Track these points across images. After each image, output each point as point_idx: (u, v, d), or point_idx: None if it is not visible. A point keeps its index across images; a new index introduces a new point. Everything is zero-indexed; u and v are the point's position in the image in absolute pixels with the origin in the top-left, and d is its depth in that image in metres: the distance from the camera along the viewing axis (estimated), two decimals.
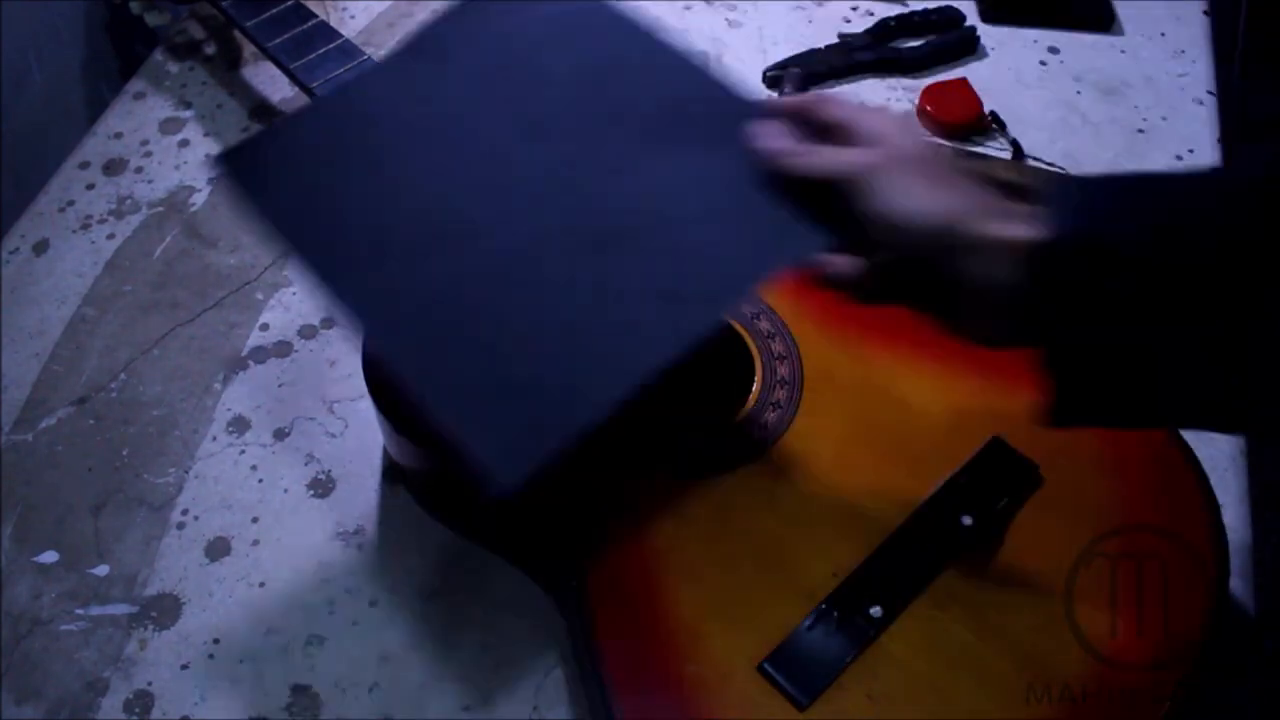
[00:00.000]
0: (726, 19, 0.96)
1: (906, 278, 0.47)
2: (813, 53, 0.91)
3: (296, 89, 0.77)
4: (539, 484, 0.42)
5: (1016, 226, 0.44)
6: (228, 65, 0.93)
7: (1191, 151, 0.84)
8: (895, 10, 0.94)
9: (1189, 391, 0.43)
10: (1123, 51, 0.92)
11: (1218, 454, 0.65)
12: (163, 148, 0.86)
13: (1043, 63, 0.92)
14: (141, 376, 0.72)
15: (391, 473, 0.66)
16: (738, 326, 0.63)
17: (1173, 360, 0.42)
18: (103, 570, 0.63)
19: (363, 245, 0.50)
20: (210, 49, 0.94)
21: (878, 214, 0.45)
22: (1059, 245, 0.42)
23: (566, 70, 0.55)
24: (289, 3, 0.80)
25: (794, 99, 0.51)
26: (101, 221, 0.81)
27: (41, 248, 0.79)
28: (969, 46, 0.91)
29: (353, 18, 0.97)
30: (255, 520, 0.64)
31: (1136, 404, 0.44)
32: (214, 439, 0.68)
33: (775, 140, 0.50)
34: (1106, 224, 0.42)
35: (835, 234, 0.48)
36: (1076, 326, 0.43)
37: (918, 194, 0.45)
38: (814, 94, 0.52)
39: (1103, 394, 0.44)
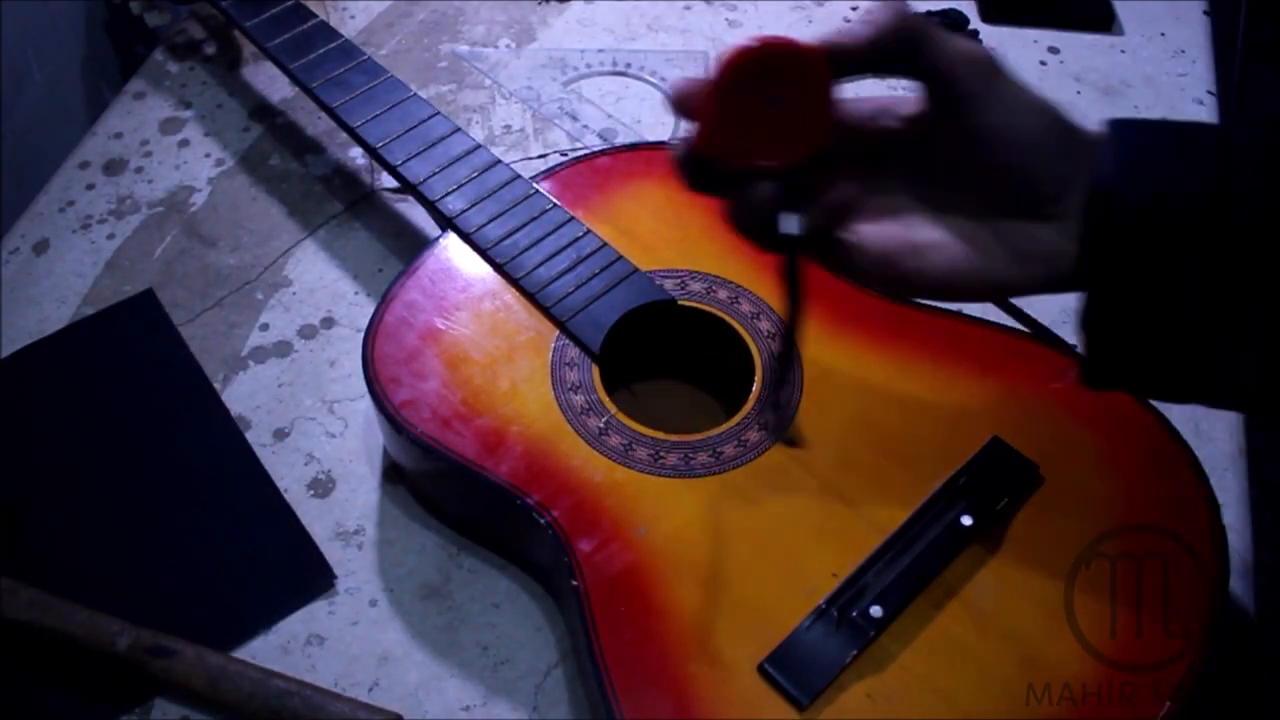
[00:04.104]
0: (726, 19, 0.96)
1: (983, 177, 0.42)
2: None
3: (296, 89, 0.77)
4: None
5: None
6: (228, 65, 0.93)
7: None
8: None
9: (1247, 369, 0.39)
10: (1123, 51, 0.92)
11: (1218, 454, 0.65)
12: (163, 148, 0.86)
13: (1043, 63, 0.92)
14: None
15: (391, 473, 0.66)
16: (738, 326, 0.63)
17: (1230, 328, 0.38)
18: None
19: None
20: (210, 49, 0.94)
21: (1005, 115, 0.41)
22: (1115, 195, 0.39)
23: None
24: (289, 3, 0.80)
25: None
26: (101, 221, 0.81)
27: (41, 248, 0.79)
28: None
29: (353, 18, 0.97)
30: None
31: (1183, 375, 0.41)
32: None
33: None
34: (1169, 181, 0.39)
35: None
36: (1124, 281, 0.39)
37: (1034, 96, 0.41)
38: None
39: (1144, 358, 0.41)
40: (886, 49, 0.41)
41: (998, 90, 0.41)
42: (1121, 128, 0.41)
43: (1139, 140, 0.40)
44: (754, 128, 0.39)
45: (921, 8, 0.93)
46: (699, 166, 0.43)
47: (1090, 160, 0.41)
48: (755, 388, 0.61)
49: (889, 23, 0.40)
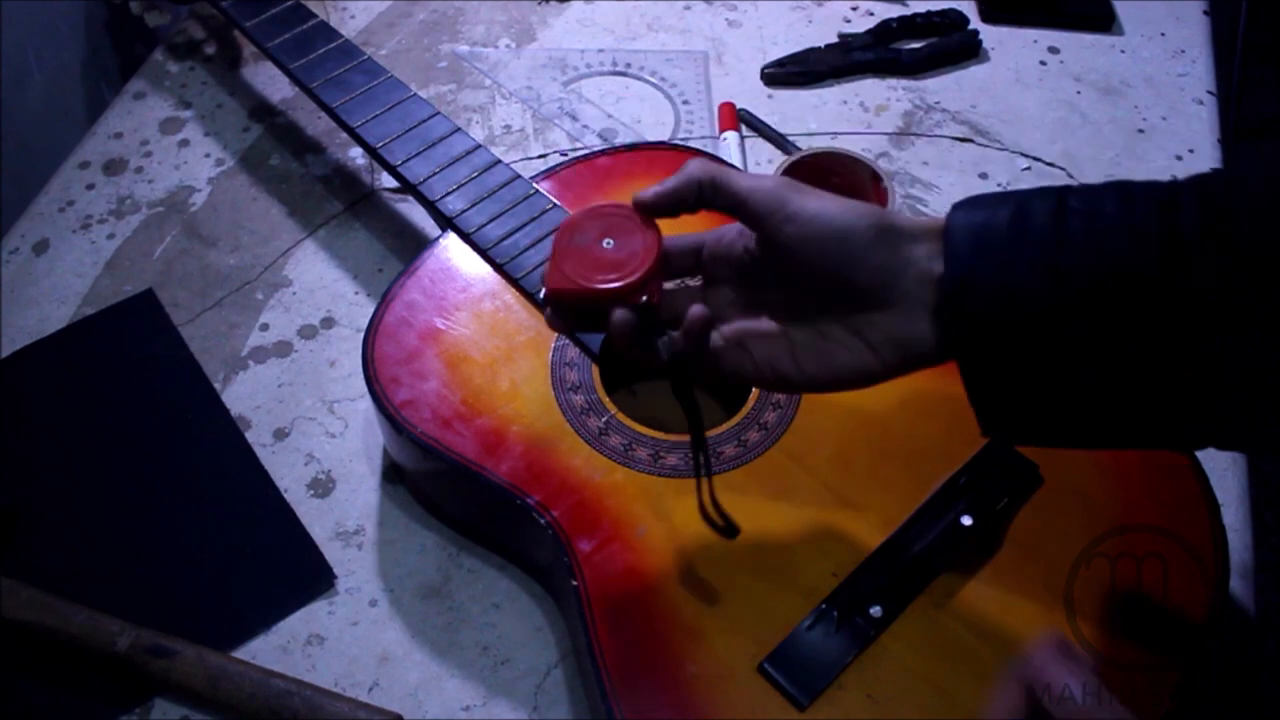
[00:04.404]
0: (726, 19, 0.96)
1: (810, 292, 0.47)
2: (812, 52, 0.91)
3: (296, 89, 0.77)
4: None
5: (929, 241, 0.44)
6: (228, 65, 0.93)
7: (1191, 151, 0.84)
8: (896, 11, 0.94)
9: (1119, 411, 0.42)
10: (1123, 51, 0.93)
11: (1218, 454, 0.65)
12: (163, 148, 0.86)
13: (1043, 63, 0.92)
14: None
15: (391, 473, 0.66)
16: None
17: (1098, 381, 0.41)
18: None
19: None
20: (210, 49, 0.94)
21: (800, 226, 0.45)
22: (957, 283, 0.43)
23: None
24: (289, 3, 0.80)
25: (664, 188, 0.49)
26: (101, 221, 0.81)
27: (41, 248, 0.79)
28: (970, 50, 0.91)
29: (353, 18, 0.97)
30: None
31: (1062, 425, 0.44)
32: None
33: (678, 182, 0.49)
34: (999, 272, 0.42)
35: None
36: (986, 349, 0.43)
37: (830, 203, 0.46)
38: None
39: (1025, 413, 0.44)
40: (689, 196, 0.48)
41: (791, 207, 0.46)
42: (957, 210, 0.44)
43: (975, 222, 0.43)
44: (594, 264, 0.48)
45: (921, 8, 0.94)
46: (564, 310, 0.49)
47: (917, 246, 0.44)
48: (755, 388, 0.61)
49: (691, 175, 0.48)
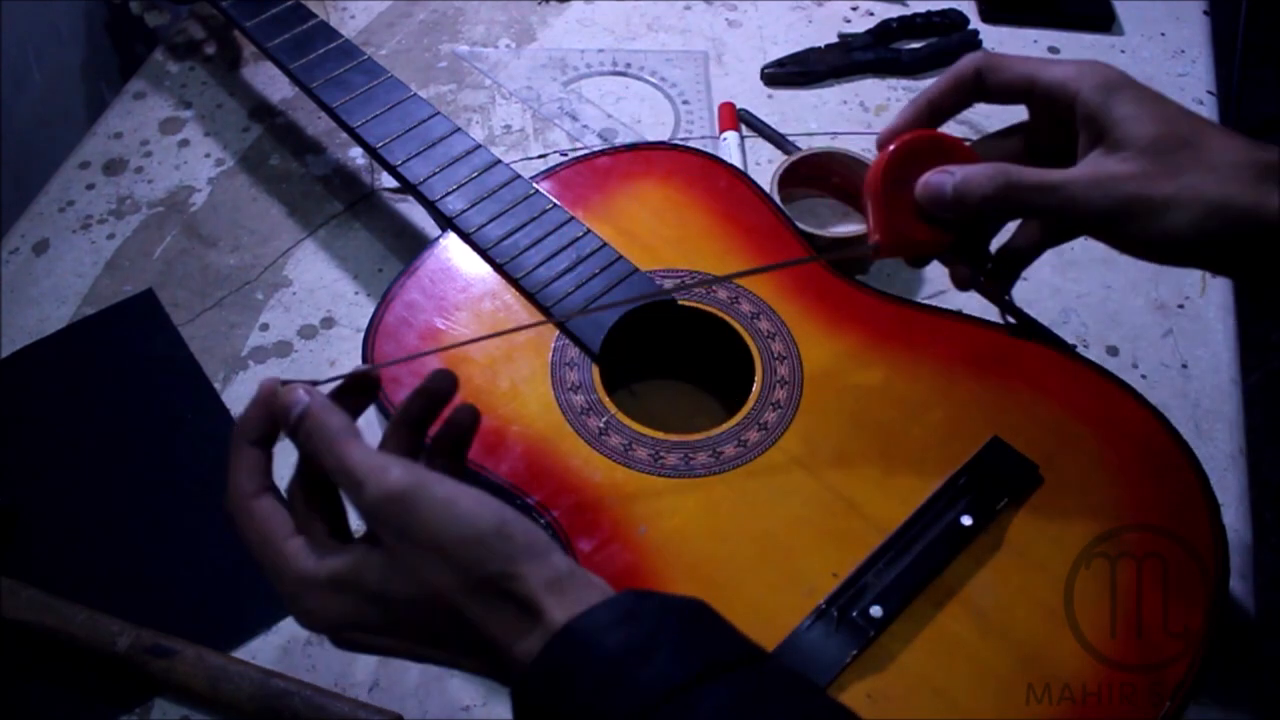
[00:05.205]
0: (726, 19, 0.96)
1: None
2: (812, 52, 0.91)
3: (296, 89, 0.77)
4: None
5: None
6: (228, 65, 0.93)
7: None
8: (896, 11, 0.94)
9: None
10: (1123, 51, 0.92)
11: (1218, 454, 0.65)
12: (163, 148, 0.86)
13: None
14: None
15: None
16: (737, 326, 0.63)
17: None
18: None
19: None
20: (210, 49, 0.94)
21: (1162, 238, 0.41)
22: None
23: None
24: (289, 3, 0.80)
25: (952, 73, 0.45)
26: (101, 221, 0.81)
27: (41, 248, 0.79)
28: (970, 50, 0.91)
29: (353, 18, 0.97)
30: None
31: None
32: None
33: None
34: None
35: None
36: None
37: (1195, 187, 0.40)
38: (971, 58, 0.45)
39: None
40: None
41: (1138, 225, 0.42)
42: None
43: None
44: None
45: (921, 8, 0.94)
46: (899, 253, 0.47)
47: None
48: (755, 388, 0.61)
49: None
